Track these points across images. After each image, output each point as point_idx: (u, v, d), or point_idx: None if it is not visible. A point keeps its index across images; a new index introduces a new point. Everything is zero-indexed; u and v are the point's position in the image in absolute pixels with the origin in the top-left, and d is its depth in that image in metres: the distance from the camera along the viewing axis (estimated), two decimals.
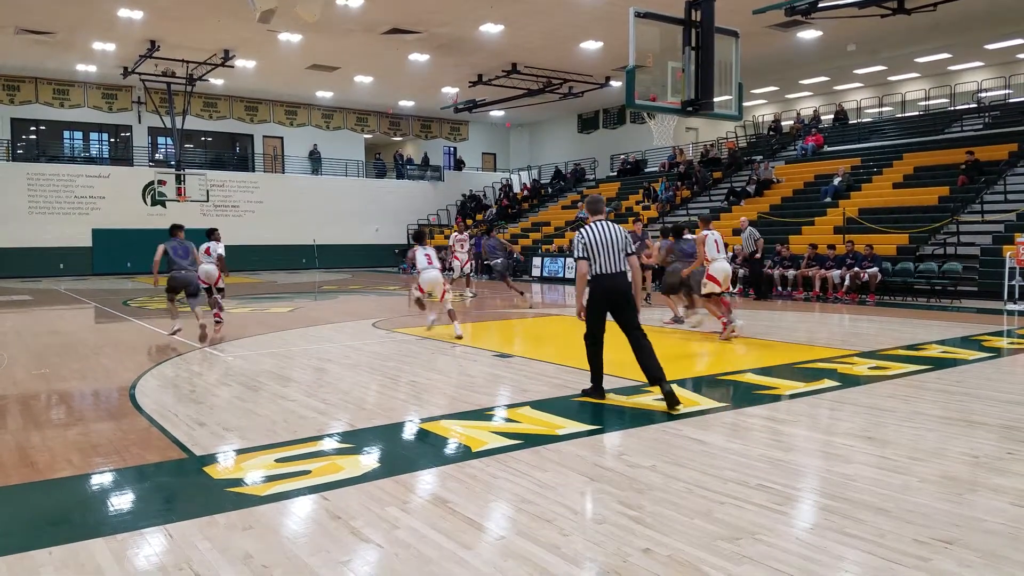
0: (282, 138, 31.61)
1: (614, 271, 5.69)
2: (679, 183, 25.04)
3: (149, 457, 4.60)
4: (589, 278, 5.74)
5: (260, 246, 28.56)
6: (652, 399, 5.96)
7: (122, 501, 3.90)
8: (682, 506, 3.66)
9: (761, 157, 24.35)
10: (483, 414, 5.60)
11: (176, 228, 10.32)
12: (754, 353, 8.45)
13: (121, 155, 28.64)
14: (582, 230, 5.78)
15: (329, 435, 5.06)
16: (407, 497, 3.82)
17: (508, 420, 5.36)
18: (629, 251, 5.77)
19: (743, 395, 6.24)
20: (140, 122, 28.13)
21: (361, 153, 33.38)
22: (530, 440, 4.79)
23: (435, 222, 32.64)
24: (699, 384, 6.74)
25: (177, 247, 10.23)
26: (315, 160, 31.60)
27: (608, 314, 5.87)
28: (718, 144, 27.58)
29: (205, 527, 3.45)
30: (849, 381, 6.71)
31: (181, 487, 4.19)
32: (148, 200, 26.71)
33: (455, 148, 36.37)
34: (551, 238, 25.68)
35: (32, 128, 27.59)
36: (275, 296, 17.22)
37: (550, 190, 31.98)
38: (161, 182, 23.65)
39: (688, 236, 10.68)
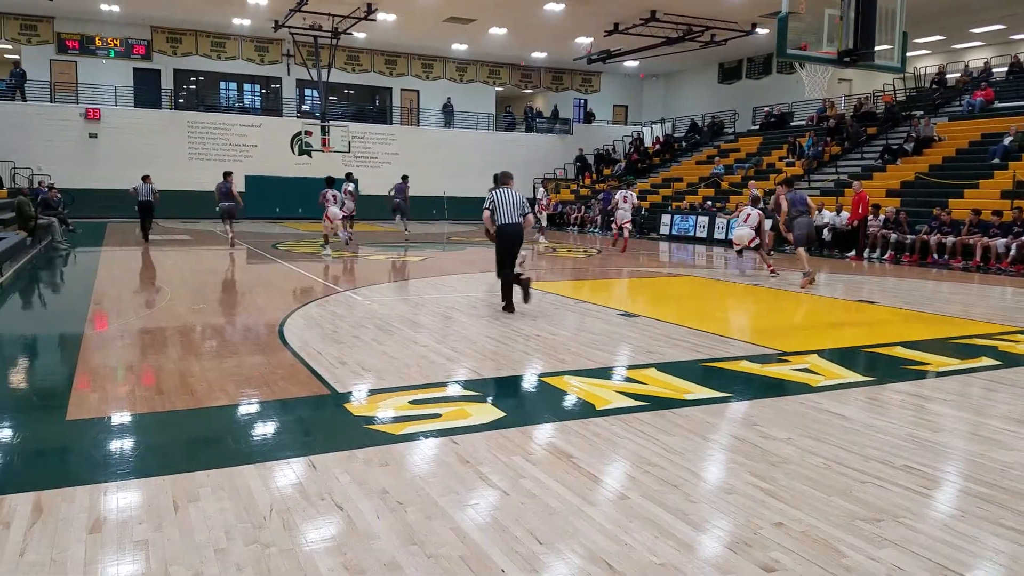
0: (418, 91, 32.19)
1: (511, 222, 8.01)
2: (828, 138, 23.38)
3: (295, 391, 4.87)
4: (495, 226, 8.02)
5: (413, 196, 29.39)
6: (789, 369, 5.69)
7: (270, 431, 4.16)
8: (819, 482, 3.48)
9: (921, 112, 22.30)
10: (607, 373, 5.54)
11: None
12: (905, 325, 7.89)
13: (272, 106, 30.14)
14: (493, 192, 8.08)
15: (457, 381, 5.17)
16: (531, 448, 3.84)
17: (633, 381, 5.26)
18: (524, 211, 8.06)
19: (890, 369, 5.83)
20: (289, 74, 29.36)
21: (492, 106, 33.47)
22: (656, 403, 4.69)
23: (561, 176, 32.41)
24: (843, 355, 6.34)
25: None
26: (448, 113, 32.03)
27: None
28: (874, 97, 25.45)
29: (345, 461, 3.62)
30: (1010, 360, 6.13)
31: (323, 421, 4.41)
32: (295, 150, 28.03)
33: (585, 100, 35.67)
34: (682, 195, 24.83)
35: (192, 79, 29.45)
36: (408, 245, 17.71)
37: (684, 144, 30.69)
38: (307, 133, 24.72)
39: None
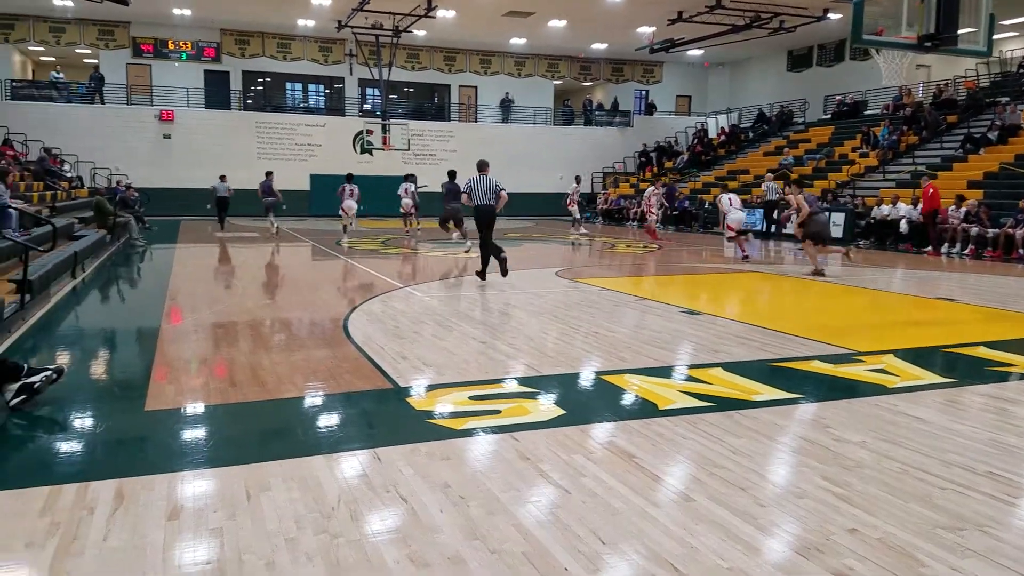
0: (476, 87, 32.29)
1: (483, 203, 9.95)
2: (904, 127, 22.42)
3: (359, 384, 4.96)
4: (472, 205, 10.04)
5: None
6: (864, 369, 5.50)
7: (337, 422, 4.25)
8: (896, 488, 3.35)
9: (1007, 99, 21.17)
10: (669, 371, 5.45)
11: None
12: (987, 324, 7.56)
13: (335, 106, 30.72)
14: (470, 178, 10.12)
15: (516, 378, 5.16)
16: (592, 447, 3.82)
17: (697, 380, 5.16)
18: (496, 191, 9.94)
19: (971, 370, 5.58)
20: (351, 74, 29.85)
21: (550, 100, 33.28)
22: (722, 403, 4.59)
23: (620, 170, 32.07)
24: (921, 355, 6.07)
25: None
26: (505, 108, 32.02)
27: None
28: (955, 84, 24.29)
29: (408, 454, 3.67)
30: None
31: (387, 414, 4.48)
32: (357, 148, 28.49)
33: (647, 92, 35.06)
34: (748, 187, 24.28)
35: (259, 80, 30.22)
36: (464, 241, 17.82)
37: (751, 135, 29.90)
38: (369, 131, 25.13)
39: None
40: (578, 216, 21.09)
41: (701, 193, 25.60)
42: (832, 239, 11.86)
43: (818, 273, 11.31)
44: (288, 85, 30.90)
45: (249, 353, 5.86)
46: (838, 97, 27.31)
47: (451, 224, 16.07)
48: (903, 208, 17.04)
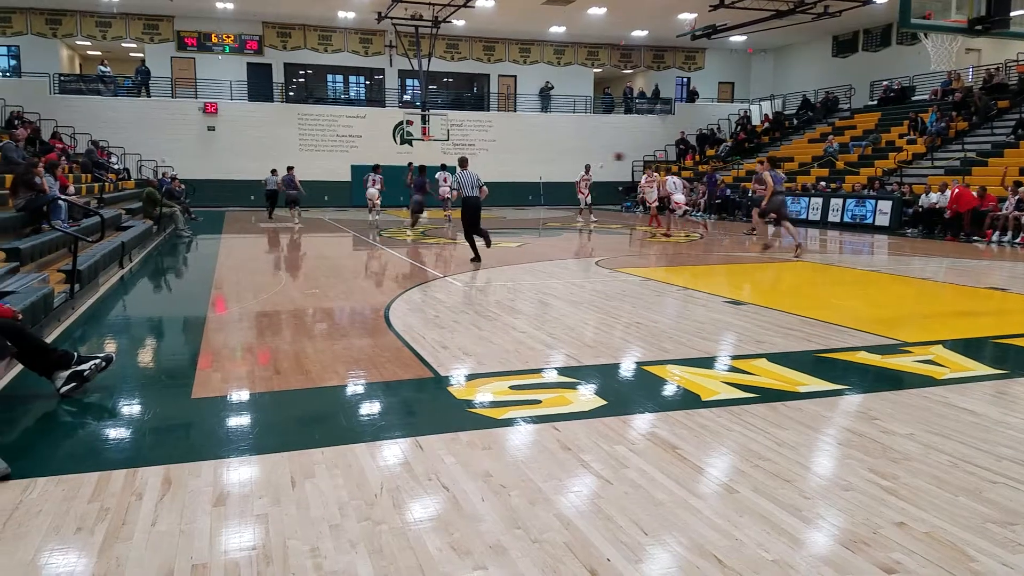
0: (515, 76, 32.18)
1: (469, 195, 11.21)
2: (953, 113, 21.74)
3: (401, 373, 5.00)
4: (460, 197, 11.35)
5: (491, 183, 29.62)
6: (911, 360, 5.37)
7: (379, 411, 4.28)
8: (945, 481, 3.26)
9: None
10: (712, 362, 5.39)
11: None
12: None
13: (375, 97, 30.91)
14: (458, 173, 11.46)
15: (557, 368, 5.15)
16: (634, 438, 3.78)
17: (741, 371, 5.08)
18: (478, 185, 11.25)
19: (1023, 362, 5.40)
20: (391, 65, 30.01)
21: (590, 88, 33.01)
22: (766, 395, 4.52)
23: (662, 158, 31.68)
24: (971, 346, 5.92)
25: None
26: (545, 97, 31.85)
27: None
28: (1006, 68, 23.46)
29: (450, 443, 3.68)
30: None
31: (429, 403, 4.51)
32: (397, 139, 28.66)
33: (688, 79, 34.55)
34: (794, 175, 23.80)
35: (301, 72, 30.55)
36: (504, 231, 17.83)
37: (795, 121, 29.27)
38: (408, 122, 25.28)
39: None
40: (586, 204, 21.08)
41: (744, 181, 25.17)
42: (788, 217, 13.17)
43: (767, 247, 13.00)
44: (329, 77, 31.18)
45: (293, 341, 5.95)
46: (885, 83, 26.52)
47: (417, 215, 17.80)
48: (933, 196, 16.61)
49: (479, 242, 11.72)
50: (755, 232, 15.01)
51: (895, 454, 3.58)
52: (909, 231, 17.25)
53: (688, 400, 4.43)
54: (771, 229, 14.78)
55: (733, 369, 5.16)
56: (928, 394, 4.55)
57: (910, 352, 5.59)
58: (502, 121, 30.67)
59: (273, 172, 21.95)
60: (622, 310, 7.37)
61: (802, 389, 4.64)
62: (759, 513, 2.95)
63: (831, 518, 2.92)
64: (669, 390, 4.69)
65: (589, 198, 21.31)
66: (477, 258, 11.32)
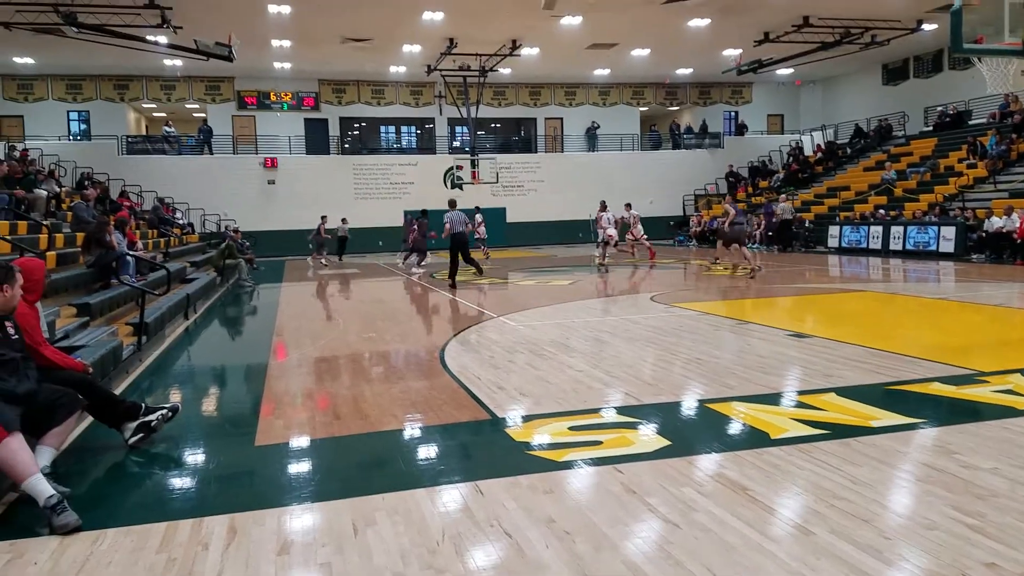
0: (561, 119, 32.45)
1: (458, 231, 13.32)
2: (1014, 135, 21.04)
3: (458, 415, 4.94)
4: (450, 234, 13.31)
5: (541, 223, 29.79)
6: (990, 391, 5.09)
7: (438, 454, 4.22)
8: None
9: None
10: (779, 399, 5.19)
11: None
12: None
13: (426, 145, 31.58)
14: (448, 213, 13.57)
15: (616, 407, 5.04)
16: (702, 479, 3.63)
17: (809, 407, 4.87)
18: (467, 223, 13.57)
19: None
20: (441, 114, 30.61)
21: (636, 126, 33.03)
22: (838, 431, 4.31)
23: (713, 191, 31.32)
24: None
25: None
26: (591, 137, 32.00)
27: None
28: None
29: (510, 487, 3.59)
30: None
31: (487, 446, 4.43)
32: (448, 183, 29.03)
33: (736, 112, 34.29)
34: (851, 204, 23.23)
35: (355, 125, 31.45)
36: (555, 269, 17.82)
37: (848, 150, 28.73)
38: (458, 167, 25.59)
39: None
40: (603, 240, 20.06)
41: (801, 211, 24.72)
42: (744, 243, 14.85)
43: (755, 271, 14.00)
44: (382, 128, 32.01)
45: (351, 386, 5.97)
46: (939, 108, 25.85)
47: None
48: (996, 221, 15.94)
49: (468, 266, 13.79)
50: (718, 260, 16.31)
51: (979, 490, 3.34)
52: (975, 257, 16.60)
53: (756, 438, 4.25)
54: (746, 253, 15.15)
55: (801, 405, 4.96)
56: (1009, 425, 4.28)
57: (987, 382, 5.30)
58: (550, 162, 30.89)
59: (344, 221, 23.68)
60: (680, 346, 7.21)
61: (875, 424, 4.42)
62: (837, 555, 2.77)
63: (915, 559, 2.72)
64: (735, 428, 4.52)
65: (610, 232, 19.57)
66: (454, 285, 13.45)
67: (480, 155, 26.52)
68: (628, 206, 20.09)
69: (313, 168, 28.41)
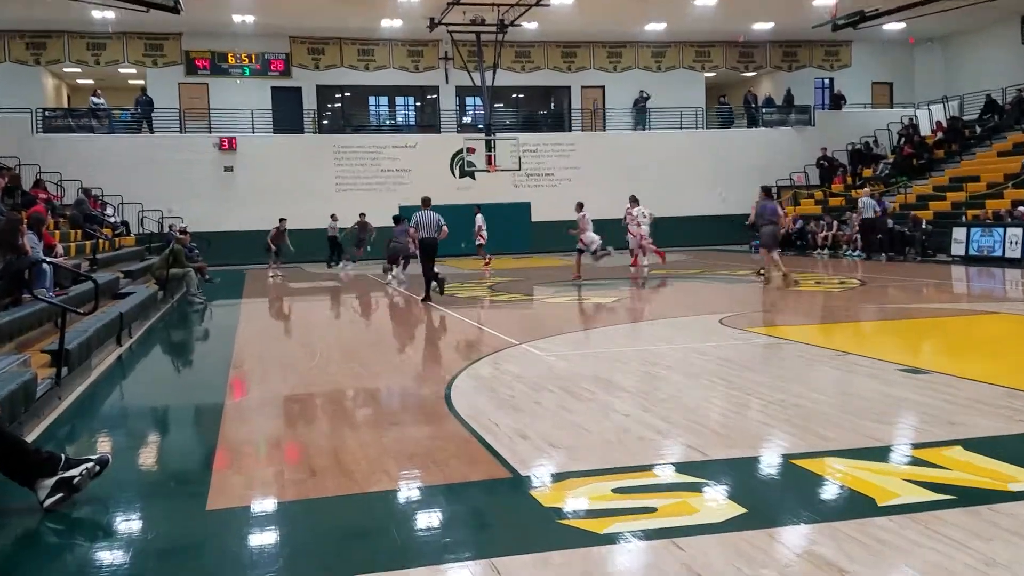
0: (603, 87, 32.60)
1: (428, 236, 14.05)
2: None
3: (469, 473, 4.94)
4: (418, 240, 14.26)
5: (569, 221, 29.53)
6: None
7: (443, 524, 4.21)
8: None
9: None
10: (888, 453, 5.15)
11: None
12: None
13: (428, 122, 31.84)
14: (416, 214, 14.57)
15: (674, 464, 5.03)
16: (787, 558, 3.61)
17: (928, 464, 4.83)
18: (439, 227, 14.05)
19: None
20: (447, 82, 30.87)
21: (700, 96, 33.08)
22: (966, 496, 4.26)
23: (801, 182, 31.18)
24: None
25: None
26: (641, 111, 31.98)
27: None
28: None
29: (537, 566, 3.58)
30: None
31: (506, 512, 4.42)
32: (456, 171, 29.21)
33: (831, 80, 34.25)
34: (981, 199, 23.00)
35: (337, 96, 31.81)
36: (595, 282, 17.80)
37: (978, 130, 28.56)
38: (470, 150, 25.73)
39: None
40: (638, 246, 20.25)
41: (915, 208, 24.51)
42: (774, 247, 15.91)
43: (767, 277, 15.89)
44: (371, 100, 32.39)
45: (330, 433, 5.99)
46: None
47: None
48: None
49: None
50: (763, 272, 16.60)
51: None
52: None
53: (858, 505, 4.22)
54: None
55: (917, 462, 4.92)
56: None
57: None
58: (588, 144, 31.01)
59: (333, 218, 25.45)
60: (759, 383, 7.19)
61: (1015, 487, 4.39)
62: None
63: None
64: (831, 492, 4.49)
65: (643, 230, 20.32)
66: (427, 297, 14.16)
67: (498, 135, 26.68)
68: (634, 200, 20.06)
69: (282, 151, 28.73)
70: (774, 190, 30.51)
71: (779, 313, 12.50)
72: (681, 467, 4.94)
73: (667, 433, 5.69)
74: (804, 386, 7.08)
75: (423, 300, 14.08)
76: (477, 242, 22.21)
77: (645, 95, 31.95)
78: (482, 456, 5.28)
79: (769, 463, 5.09)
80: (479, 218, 22.43)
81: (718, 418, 6.13)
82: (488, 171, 25.99)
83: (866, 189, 24.81)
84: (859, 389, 6.92)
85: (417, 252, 14.69)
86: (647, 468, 4.94)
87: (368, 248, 24.69)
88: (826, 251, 24.77)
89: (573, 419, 6.13)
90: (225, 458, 5.49)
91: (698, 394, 6.88)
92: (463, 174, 28.63)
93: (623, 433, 5.70)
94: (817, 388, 7.04)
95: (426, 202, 14.68)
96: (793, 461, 5.02)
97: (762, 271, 16.66)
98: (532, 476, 4.85)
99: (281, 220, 23.98)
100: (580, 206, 19.06)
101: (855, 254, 23.07)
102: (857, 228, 23.36)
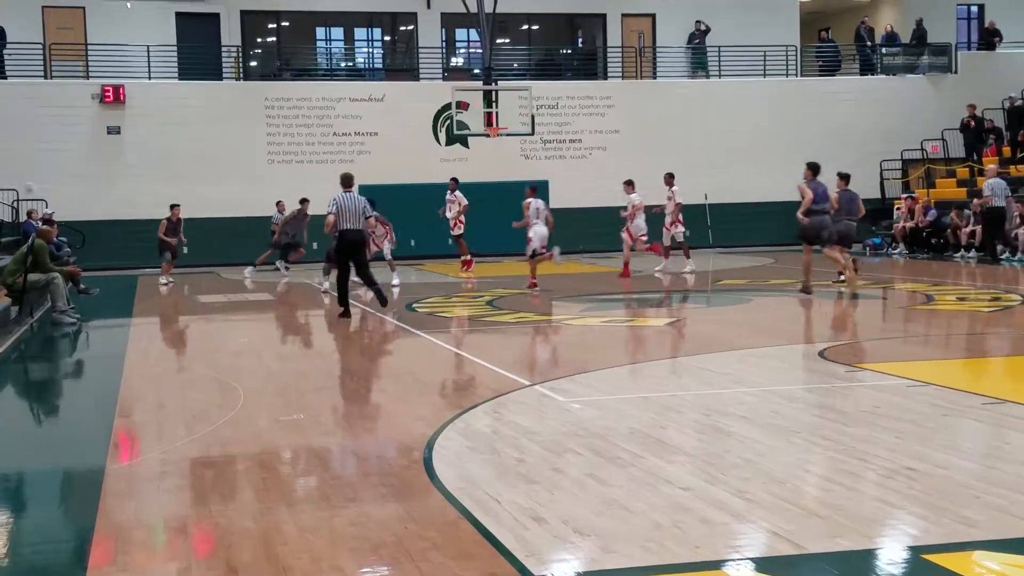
0: (653, 15, 32.58)
1: (352, 227, 14.92)
2: None
3: (458, 571, 4.93)
4: (336, 232, 15.05)
5: (610, 209, 29.05)
6: None
7: None
8: None
9: None
10: None
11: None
12: None
13: (400, 64, 31.83)
14: (335, 195, 15.15)
15: (755, 559, 5.05)
16: None
17: None
18: (366, 215, 15.37)
19: None
20: (429, 7, 30.83)
21: (793, 31, 33.11)
22: None
23: (936, 153, 31.02)
24: None
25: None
26: (700, 52, 31.90)
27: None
28: None
29: None
30: None
31: None
32: (441, 135, 29.19)
33: (980, 7, 34.29)
34: None
35: (270, 26, 31.80)
36: (639, 297, 17.80)
37: None
38: (461, 105, 25.66)
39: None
40: (672, 239, 21.69)
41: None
42: (828, 240, 17.40)
43: (805, 290, 17.10)
44: (319, 32, 32.38)
45: (259, 512, 5.98)
46: None
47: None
48: None
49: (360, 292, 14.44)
50: (843, 276, 17.94)
51: None
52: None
53: None
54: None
55: None
56: None
57: None
58: (629, 95, 30.98)
59: (279, 205, 25.80)
60: (876, 443, 7.18)
61: None
62: None
63: None
64: None
65: (678, 228, 22.50)
66: (347, 313, 15.19)
67: (502, 83, 26.59)
68: (630, 184, 21.31)
69: (191, 106, 28.75)
70: (898, 164, 30.75)
71: (902, 343, 12.47)
72: (764, 564, 4.96)
73: (743, 515, 5.69)
74: (940, 447, 7.07)
75: (340, 316, 15.17)
76: (455, 233, 22.83)
77: (704, 27, 31.87)
78: (477, 547, 5.27)
79: (892, 559, 5.11)
80: (454, 199, 23.07)
81: (817, 493, 6.14)
82: (488, 135, 25.94)
83: (991, 168, 24.94)
84: (1016, 452, 6.92)
85: (335, 249, 15.75)
86: (715, 566, 4.93)
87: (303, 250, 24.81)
88: (972, 253, 24.64)
89: (607, 493, 6.13)
90: (106, 549, 5.47)
91: (787, 459, 6.88)
92: (451, 140, 28.66)
93: (679, 514, 5.69)
94: (959, 450, 7.04)
95: (348, 181, 15.69)
96: (926, 556, 5.02)
97: (841, 276, 18.06)
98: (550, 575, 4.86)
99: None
100: (670, 178, 20.76)
101: (1015, 259, 23.03)
102: (974, 220, 23.46)
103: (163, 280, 23.22)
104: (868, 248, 27.74)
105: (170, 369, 11.97)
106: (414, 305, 17.52)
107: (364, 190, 28.21)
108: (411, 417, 8.67)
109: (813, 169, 17.79)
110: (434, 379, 10.80)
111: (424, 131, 29.40)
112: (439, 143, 29.37)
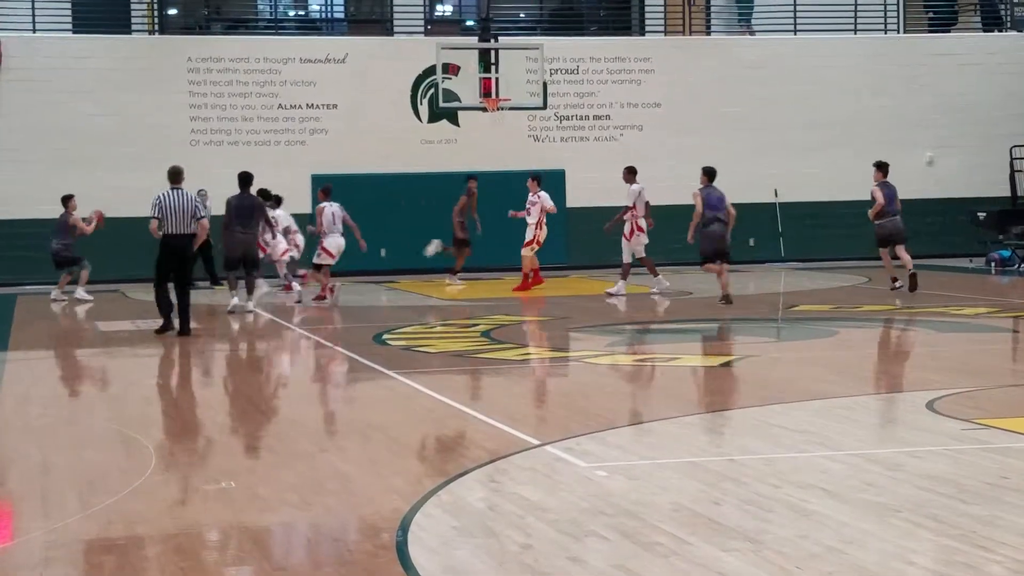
0: None
1: (179, 232, 17.27)
2: None
3: None
4: (160, 236, 17.70)
5: (661, 206, 28.96)
6: None
7: None
8: None
9: None
10: None
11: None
12: None
13: (365, 13, 31.98)
14: (159, 194, 17.78)
15: None
16: None
17: None
18: (198, 216, 17.60)
19: None
20: None
21: None
22: None
23: None
24: None
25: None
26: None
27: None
28: None
29: None
30: None
31: None
32: (422, 110, 29.28)
33: None
34: None
35: None
36: (683, 325, 17.89)
37: None
38: (450, 69, 25.80)
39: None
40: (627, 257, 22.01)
41: None
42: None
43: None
44: None
45: None
46: None
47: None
48: None
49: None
50: (898, 283, 20.54)
51: None
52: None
53: None
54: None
55: None
56: None
57: None
58: (674, 58, 31.15)
59: (200, 193, 24.59)
60: (1004, 526, 7.20)
61: None
62: None
63: None
64: None
65: (641, 238, 23.23)
66: (167, 327, 17.41)
67: (503, 40, 26.71)
68: (631, 172, 21.94)
69: (90, 67, 29.02)
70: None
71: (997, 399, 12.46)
72: None
73: None
74: None
75: (159, 331, 17.56)
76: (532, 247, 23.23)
77: None
78: None
79: None
80: (538, 197, 23.44)
81: None
82: (485, 109, 26.02)
83: None
84: None
85: (157, 257, 17.58)
86: None
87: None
88: None
89: None
90: None
91: (884, 547, 6.86)
92: (436, 115, 28.76)
93: None
94: None
95: (176, 175, 17.49)
96: None
97: (896, 283, 20.48)
98: None
99: (66, 200, 24.54)
100: (709, 173, 20.93)
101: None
102: None
103: (54, 295, 23.78)
104: (993, 263, 27.86)
105: (59, 420, 11.98)
106: (385, 337, 17.53)
107: (318, 180, 28.69)
108: (380, 488, 8.68)
109: (709, 175, 19.91)
110: (411, 437, 10.77)
111: (400, 103, 29.51)
112: (419, 119, 29.47)
